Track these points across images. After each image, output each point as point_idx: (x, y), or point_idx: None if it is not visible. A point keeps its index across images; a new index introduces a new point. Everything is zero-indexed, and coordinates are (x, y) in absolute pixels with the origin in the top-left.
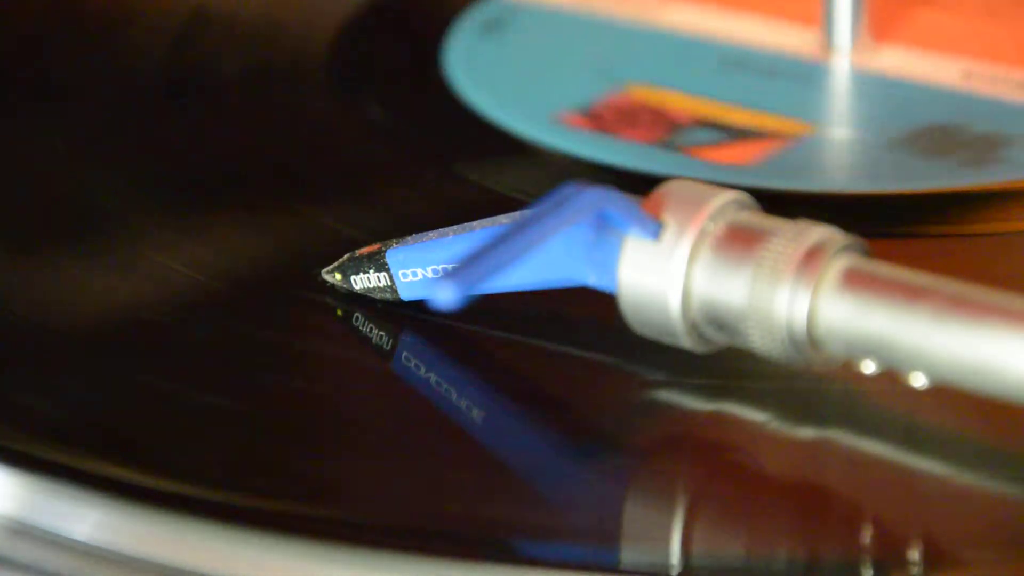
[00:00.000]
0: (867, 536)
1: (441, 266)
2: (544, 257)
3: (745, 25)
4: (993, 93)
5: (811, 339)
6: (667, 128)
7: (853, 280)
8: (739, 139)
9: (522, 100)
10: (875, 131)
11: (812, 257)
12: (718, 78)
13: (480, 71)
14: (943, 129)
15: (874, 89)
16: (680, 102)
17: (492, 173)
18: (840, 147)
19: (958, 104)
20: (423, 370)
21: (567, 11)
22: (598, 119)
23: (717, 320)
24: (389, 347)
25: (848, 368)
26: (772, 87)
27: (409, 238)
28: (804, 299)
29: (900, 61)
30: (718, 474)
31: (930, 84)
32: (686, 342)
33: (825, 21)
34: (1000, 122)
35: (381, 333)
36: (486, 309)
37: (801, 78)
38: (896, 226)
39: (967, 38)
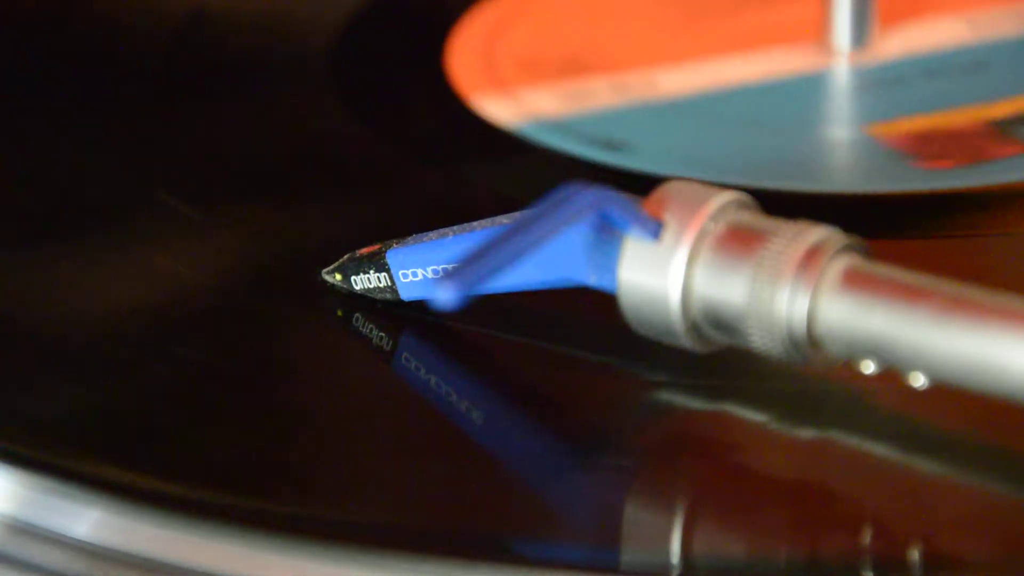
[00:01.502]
0: (867, 536)
1: (441, 266)
2: (544, 257)
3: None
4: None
5: (811, 339)
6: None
7: (853, 280)
8: None
9: None
10: None
11: (812, 257)
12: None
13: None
14: None
15: None
16: (943, 120)
17: (492, 173)
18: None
19: None
20: (423, 371)
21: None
22: (943, 156)
23: (717, 320)
24: (389, 348)
25: (848, 368)
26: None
27: (409, 238)
28: (804, 299)
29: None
30: (718, 474)
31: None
32: (686, 342)
33: (825, 23)
34: None
35: (381, 334)
36: (486, 310)
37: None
38: (896, 226)
39: None
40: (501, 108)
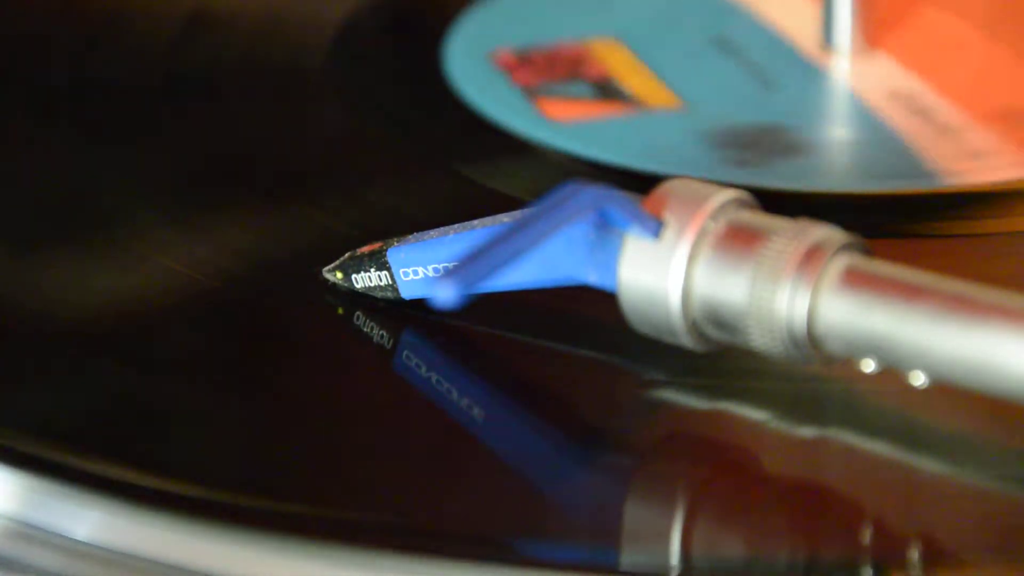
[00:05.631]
0: (867, 536)
1: (442, 265)
2: (544, 256)
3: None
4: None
5: (811, 338)
6: (554, 76)
7: (853, 279)
8: (597, 99)
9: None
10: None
11: (812, 256)
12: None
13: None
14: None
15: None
16: (614, 60)
17: (492, 173)
18: (669, 127)
19: None
20: (424, 369)
21: None
22: (526, 61)
23: (717, 319)
24: (390, 346)
25: (848, 367)
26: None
27: (410, 236)
28: (804, 298)
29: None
30: (718, 474)
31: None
32: (686, 341)
33: (824, 21)
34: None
35: (382, 332)
36: (487, 308)
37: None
38: (896, 226)
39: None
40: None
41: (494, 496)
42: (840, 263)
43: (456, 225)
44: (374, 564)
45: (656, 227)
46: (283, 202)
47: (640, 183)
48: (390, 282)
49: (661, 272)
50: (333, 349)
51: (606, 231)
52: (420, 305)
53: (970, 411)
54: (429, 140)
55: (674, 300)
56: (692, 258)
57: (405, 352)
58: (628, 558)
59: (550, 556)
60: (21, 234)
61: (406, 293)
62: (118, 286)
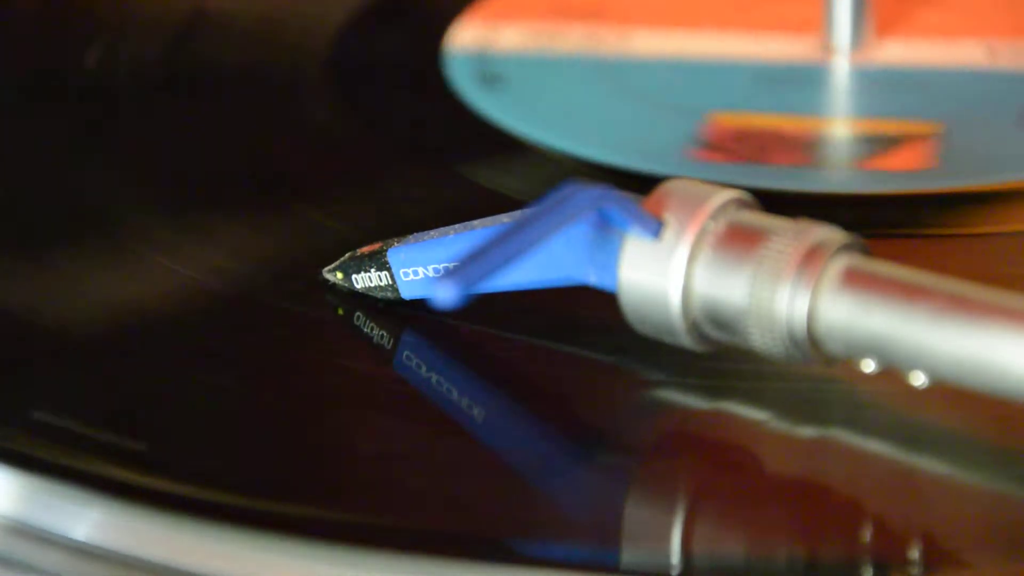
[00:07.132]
0: (867, 536)
1: (442, 265)
2: (545, 256)
3: (735, 42)
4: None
5: (811, 338)
6: (803, 147)
7: (853, 279)
8: (890, 147)
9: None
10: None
11: (812, 256)
12: (771, 95)
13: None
14: None
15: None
16: (779, 122)
17: (492, 173)
18: (981, 135)
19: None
20: (424, 369)
21: (552, 55)
22: (726, 151)
23: (717, 319)
24: (390, 346)
25: (848, 367)
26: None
27: (410, 237)
28: (804, 298)
29: (908, 53)
30: (718, 474)
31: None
32: (686, 341)
33: (826, 21)
34: None
35: (382, 332)
36: (487, 308)
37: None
38: (896, 226)
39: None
40: (471, 39)
41: (494, 496)
42: (840, 263)
43: (456, 225)
44: (374, 564)
45: (656, 227)
46: (283, 202)
47: (640, 183)
48: (390, 282)
49: (661, 272)
50: (333, 349)
51: (606, 231)
52: (420, 305)
53: (970, 411)
54: (429, 140)
55: (674, 300)
56: (692, 258)
57: (405, 352)
58: (628, 558)
59: (550, 556)
60: (21, 234)
61: (406, 293)
62: (118, 286)
